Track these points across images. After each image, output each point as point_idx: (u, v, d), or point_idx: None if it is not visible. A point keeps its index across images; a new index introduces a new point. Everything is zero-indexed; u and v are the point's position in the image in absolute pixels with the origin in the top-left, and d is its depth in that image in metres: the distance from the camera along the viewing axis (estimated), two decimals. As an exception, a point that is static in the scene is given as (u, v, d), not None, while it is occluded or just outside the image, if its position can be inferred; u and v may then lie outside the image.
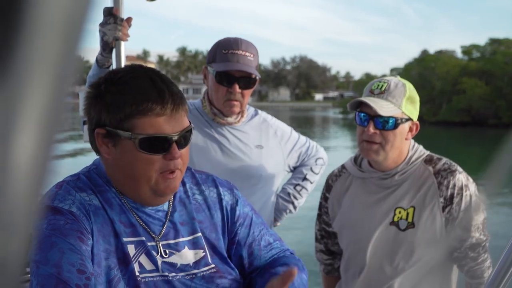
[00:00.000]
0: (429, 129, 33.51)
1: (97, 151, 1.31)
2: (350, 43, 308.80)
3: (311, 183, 2.42)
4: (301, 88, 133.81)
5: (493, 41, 58.55)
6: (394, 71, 63.53)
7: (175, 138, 1.24)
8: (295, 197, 2.39)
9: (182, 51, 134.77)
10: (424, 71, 55.19)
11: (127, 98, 1.20)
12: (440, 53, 69.77)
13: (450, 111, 47.67)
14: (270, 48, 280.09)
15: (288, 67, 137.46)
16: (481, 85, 47.90)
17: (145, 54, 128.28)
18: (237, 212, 1.46)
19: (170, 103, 1.22)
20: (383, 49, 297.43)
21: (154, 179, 1.24)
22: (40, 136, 0.24)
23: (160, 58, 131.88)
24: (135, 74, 1.25)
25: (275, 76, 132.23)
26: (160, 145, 1.23)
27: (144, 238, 1.28)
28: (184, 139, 1.27)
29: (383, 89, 1.87)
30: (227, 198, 1.46)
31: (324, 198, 2.15)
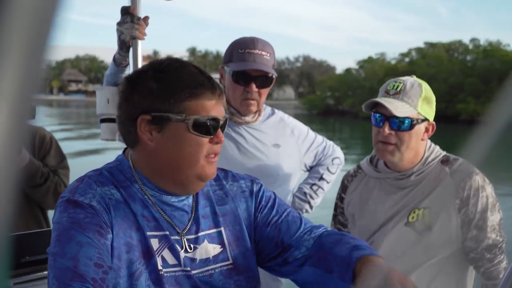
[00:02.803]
0: (362, 123, 37.11)
1: (133, 142, 1.30)
2: (379, 42, 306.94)
3: (327, 182, 2.42)
4: (304, 86, 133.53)
5: (429, 45, 67.14)
6: (349, 71, 73.34)
7: (222, 122, 1.30)
8: (311, 197, 2.39)
9: (192, 51, 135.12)
10: (355, 72, 65.88)
11: (181, 83, 1.25)
12: (382, 55, 76.79)
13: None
14: (298, 46, 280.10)
15: (293, 67, 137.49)
16: (402, 85, 56.90)
17: (155, 54, 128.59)
18: (262, 197, 1.46)
19: (218, 89, 1.29)
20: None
21: (200, 163, 1.28)
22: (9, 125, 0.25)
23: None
24: (181, 63, 1.30)
25: (279, 75, 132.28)
26: (209, 127, 1.27)
27: (168, 233, 1.28)
28: (224, 125, 1.33)
29: (398, 89, 1.86)
30: (250, 188, 1.46)
31: (340, 198, 2.15)
